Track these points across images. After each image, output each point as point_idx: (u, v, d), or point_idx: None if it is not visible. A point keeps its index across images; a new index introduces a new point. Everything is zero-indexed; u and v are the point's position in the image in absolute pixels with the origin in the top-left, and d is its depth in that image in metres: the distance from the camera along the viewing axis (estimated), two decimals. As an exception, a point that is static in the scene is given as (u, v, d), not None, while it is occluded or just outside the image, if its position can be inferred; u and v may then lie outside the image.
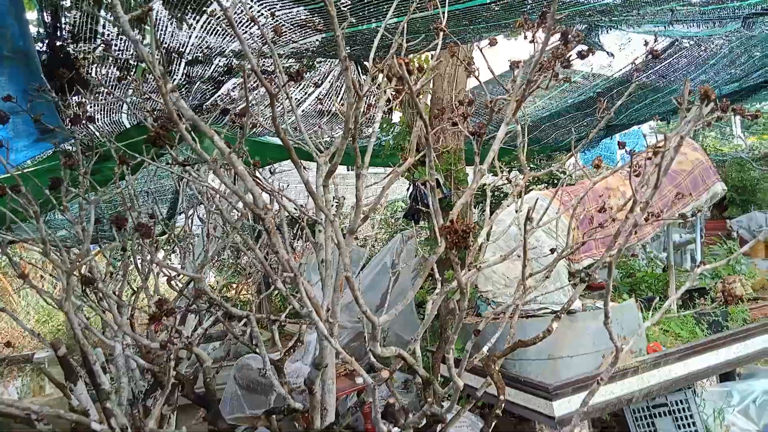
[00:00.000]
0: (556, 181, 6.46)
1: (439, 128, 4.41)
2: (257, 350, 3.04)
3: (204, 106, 4.92)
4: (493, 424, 1.98)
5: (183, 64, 3.94)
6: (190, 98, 4.58)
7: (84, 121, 1.77)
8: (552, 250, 2.64)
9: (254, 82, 4.52)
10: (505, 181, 3.07)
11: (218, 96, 4.74)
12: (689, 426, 3.67)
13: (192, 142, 1.11)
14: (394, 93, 4.43)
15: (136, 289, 3.20)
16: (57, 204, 1.88)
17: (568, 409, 3.13)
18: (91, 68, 3.55)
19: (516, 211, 2.64)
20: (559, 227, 3.78)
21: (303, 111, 5.07)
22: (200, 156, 1.15)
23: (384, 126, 5.05)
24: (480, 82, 2.36)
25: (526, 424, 4.10)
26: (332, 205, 2.71)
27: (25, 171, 3.65)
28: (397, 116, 5.47)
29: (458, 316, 1.74)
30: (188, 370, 2.68)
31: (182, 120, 1.25)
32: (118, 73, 3.65)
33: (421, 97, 4.99)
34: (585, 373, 3.25)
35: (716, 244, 7.05)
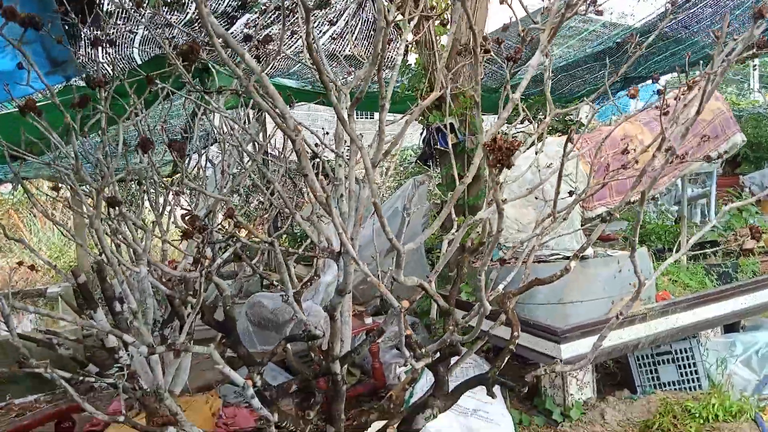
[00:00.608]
0: (566, 130, 6.39)
1: (459, 66, 4.32)
2: (275, 283, 3.08)
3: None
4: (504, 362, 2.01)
5: (196, -4, 3.82)
6: (203, 35, 4.48)
7: (105, 45, 1.72)
8: (570, 193, 2.63)
9: (268, 19, 4.41)
10: (527, 123, 3.02)
11: (231, 33, 4.64)
12: (692, 374, 3.75)
13: (226, 57, 1.09)
14: (412, 32, 4.32)
15: (150, 224, 3.23)
16: (78, 129, 1.86)
17: (575, 351, 3.19)
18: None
19: (536, 153, 2.60)
20: (577, 175, 3.76)
21: (317, 51, 4.97)
22: (234, 73, 1.12)
23: (401, 69, 4.95)
24: (515, 16, 2.27)
25: (531, 367, 4.19)
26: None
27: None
28: (412, 58, 5.35)
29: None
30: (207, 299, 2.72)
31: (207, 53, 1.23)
32: (130, 2, 3.55)
33: (439, 37, 4.87)
34: (593, 318, 3.29)
35: (727, 199, 7.02)
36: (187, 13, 3.99)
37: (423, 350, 1.66)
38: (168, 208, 3.06)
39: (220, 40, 1.15)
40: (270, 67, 5.15)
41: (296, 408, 2.13)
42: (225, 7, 4.08)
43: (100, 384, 2.70)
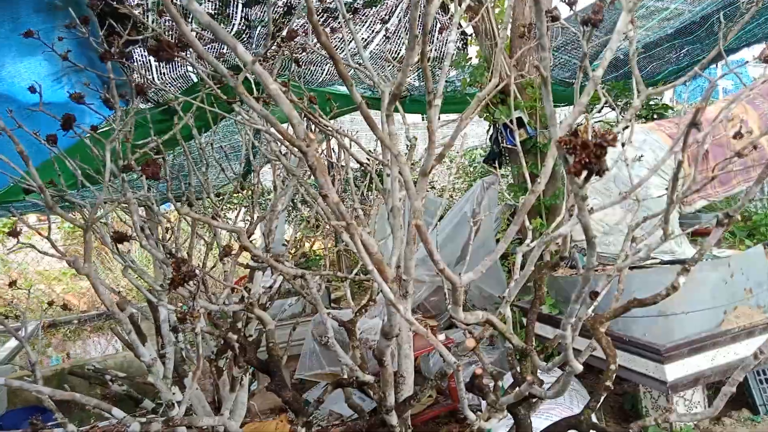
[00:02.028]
0: (655, 116, 5.77)
1: (526, 49, 3.93)
2: (322, 309, 2.84)
3: (267, 54, 4.67)
4: (603, 396, 1.65)
5: (240, 7, 3.69)
6: (253, 45, 4.35)
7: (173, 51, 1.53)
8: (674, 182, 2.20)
9: (320, 19, 4.21)
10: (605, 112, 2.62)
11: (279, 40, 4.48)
12: (826, 391, 3.16)
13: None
14: (469, 20, 3.97)
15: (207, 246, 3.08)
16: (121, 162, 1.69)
17: (682, 372, 2.73)
18: (146, 16, 3.37)
19: (623, 144, 2.20)
20: (666, 165, 3.27)
21: (371, 53, 4.71)
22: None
23: (459, 61, 4.61)
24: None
25: (627, 387, 3.72)
26: (404, 146, 2.39)
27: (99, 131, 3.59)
28: (473, 51, 4.98)
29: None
30: (259, 328, 2.52)
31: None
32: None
33: (500, 25, 4.48)
34: (703, 332, 2.81)
35: None
36: (233, 24, 3.85)
37: (494, 397, 1.34)
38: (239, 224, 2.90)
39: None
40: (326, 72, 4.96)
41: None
42: (272, 14, 3.91)
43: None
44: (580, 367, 1.07)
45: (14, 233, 1.20)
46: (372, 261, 0.99)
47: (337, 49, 4.17)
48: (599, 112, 6.60)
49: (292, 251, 4.07)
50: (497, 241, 4.83)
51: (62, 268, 9.61)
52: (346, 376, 1.60)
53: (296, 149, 0.98)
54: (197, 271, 0.86)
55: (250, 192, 4.17)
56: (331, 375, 4.09)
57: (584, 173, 0.57)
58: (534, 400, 1.86)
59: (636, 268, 3.16)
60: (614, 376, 1.73)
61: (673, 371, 2.72)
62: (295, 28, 3.93)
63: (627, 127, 2.24)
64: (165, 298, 1.45)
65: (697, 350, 2.75)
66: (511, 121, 4.38)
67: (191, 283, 0.89)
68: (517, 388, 1.24)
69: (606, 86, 6.06)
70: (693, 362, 2.76)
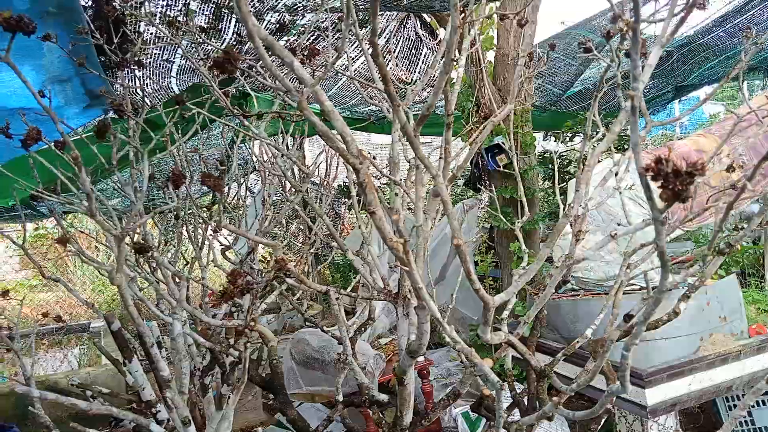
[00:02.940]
0: (626, 147, 5.98)
1: (527, 77, 4.04)
2: (318, 325, 2.81)
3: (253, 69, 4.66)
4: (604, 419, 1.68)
5: (234, 21, 3.69)
6: (241, 62, 4.34)
7: (132, 68, 1.52)
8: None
9: (305, 40, 4.24)
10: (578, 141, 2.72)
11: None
12: (793, 416, 3.29)
13: (270, 64, 0.84)
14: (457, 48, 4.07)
15: (189, 260, 3.03)
16: (105, 163, 1.65)
17: (662, 396, 2.80)
18: (138, 26, 3.33)
19: (616, 174, 2.28)
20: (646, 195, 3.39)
21: (355, 70, 4.75)
22: (284, 85, 0.87)
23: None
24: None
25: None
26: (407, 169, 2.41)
27: (82, 136, 3.51)
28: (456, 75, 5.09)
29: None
30: (251, 344, 2.48)
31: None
32: (167, 31, 3.42)
33: (485, 53, 4.60)
34: (680, 358, 2.90)
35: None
36: (224, 39, 3.84)
37: (500, 423, 1.35)
38: (207, 243, 2.85)
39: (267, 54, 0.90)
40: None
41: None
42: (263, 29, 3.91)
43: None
44: (629, 387, 1.10)
45: None
46: (416, 278, 1.00)
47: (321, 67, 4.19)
48: (571, 140, 6.82)
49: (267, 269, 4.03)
50: (475, 263, 4.89)
51: (19, 279, 9.23)
52: (360, 394, 1.59)
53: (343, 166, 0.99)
54: (254, 284, 0.86)
55: (222, 206, 4.12)
56: (308, 395, 4.03)
57: (674, 199, 0.60)
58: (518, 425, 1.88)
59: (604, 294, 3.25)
60: (613, 400, 1.77)
61: (654, 396, 2.79)
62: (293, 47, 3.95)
63: (606, 156, 2.33)
64: (180, 313, 1.42)
65: (676, 375, 2.83)
66: (493, 147, 4.48)
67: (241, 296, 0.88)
68: (541, 410, 1.26)
69: (578, 116, 6.26)
70: (672, 387, 2.84)
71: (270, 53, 0.85)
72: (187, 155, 3.62)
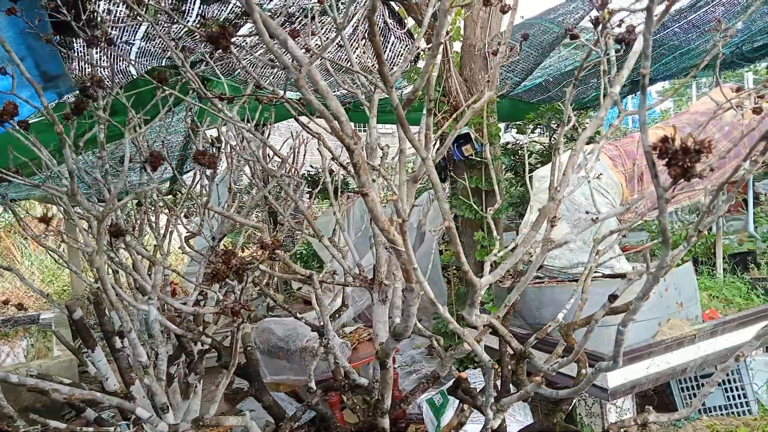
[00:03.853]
0: (590, 139, 6.13)
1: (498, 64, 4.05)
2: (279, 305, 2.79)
3: (213, 55, 4.55)
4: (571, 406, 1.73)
5: (198, 3, 3.58)
6: (203, 45, 4.22)
7: (102, 46, 1.45)
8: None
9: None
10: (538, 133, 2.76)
11: (233, 41, 4.37)
12: (740, 397, 3.46)
13: (270, 43, 0.81)
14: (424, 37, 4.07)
15: (152, 247, 2.94)
16: (71, 145, 1.58)
17: (622, 379, 2.91)
18: (98, 5, 3.19)
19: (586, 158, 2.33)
20: (608, 185, 3.49)
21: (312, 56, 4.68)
22: (282, 63, 0.85)
23: (410, 75, 4.70)
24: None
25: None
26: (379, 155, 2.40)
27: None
28: (423, 64, 5.10)
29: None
30: (220, 332, 2.43)
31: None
32: (127, 11, 3.30)
33: (442, 45, 4.61)
34: (639, 342, 3.01)
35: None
36: (188, 21, 3.73)
37: (490, 401, 1.37)
38: (170, 230, 2.78)
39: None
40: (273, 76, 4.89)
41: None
42: (227, 14, 3.82)
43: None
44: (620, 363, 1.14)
45: None
46: (405, 259, 1.00)
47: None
48: (533, 132, 6.95)
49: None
50: (441, 251, 4.93)
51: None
52: (335, 380, 1.58)
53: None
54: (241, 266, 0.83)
55: (179, 195, 4.02)
56: (272, 384, 3.99)
57: (683, 177, 0.62)
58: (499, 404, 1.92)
59: (572, 282, 3.34)
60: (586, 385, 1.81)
61: (614, 379, 2.89)
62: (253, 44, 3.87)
63: (569, 148, 2.38)
64: (155, 298, 1.37)
65: (636, 359, 2.94)
66: (459, 137, 4.51)
67: (232, 276, 0.86)
68: (523, 389, 1.29)
69: (540, 108, 6.38)
70: (631, 370, 2.94)
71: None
72: (147, 140, 3.52)
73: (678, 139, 0.66)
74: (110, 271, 2.06)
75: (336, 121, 0.96)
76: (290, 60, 0.90)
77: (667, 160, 0.65)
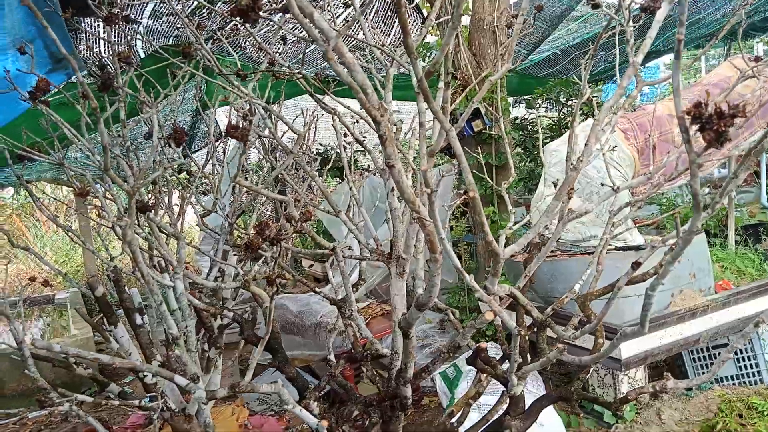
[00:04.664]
0: (596, 113, 6.08)
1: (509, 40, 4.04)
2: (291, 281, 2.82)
3: (222, 32, 4.53)
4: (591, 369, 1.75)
5: (205, -22, 3.55)
6: (210, 22, 4.20)
7: (120, 22, 1.45)
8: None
9: (280, 1, 4.12)
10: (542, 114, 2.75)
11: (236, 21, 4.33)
12: (752, 367, 3.49)
13: (299, 15, 0.82)
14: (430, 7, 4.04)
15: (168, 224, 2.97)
16: (91, 124, 1.60)
17: (636, 350, 2.94)
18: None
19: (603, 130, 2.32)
20: (620, 158, 3.48)
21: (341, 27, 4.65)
22: (311, 35, 0.86)
23: (419, 50, 4.67)
24: None
25: (577, 367, 3.94)
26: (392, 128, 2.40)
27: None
28: (432, 39, 5.06)
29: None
30: (237, 308, 2.47)
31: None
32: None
33: (461, 17, 4.57)
34: (653, 313, 3.03)
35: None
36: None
37: (515, 367, 1.40)
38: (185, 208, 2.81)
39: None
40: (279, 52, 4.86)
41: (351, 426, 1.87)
42: (235, -10, 3.79)
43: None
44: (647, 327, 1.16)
45: None
46: (433, 228, 1.01)
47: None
48: (541, 107, 6.89)
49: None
50: (451, 227, 4.95)
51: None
52: (356, 351, 1.62)
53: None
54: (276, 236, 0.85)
55: (186, 174, 4.04)
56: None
57: (716, 142, 0.63)
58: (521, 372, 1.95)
59: (591, 254, 3.35)
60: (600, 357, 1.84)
61: (628, 349, 2.92)
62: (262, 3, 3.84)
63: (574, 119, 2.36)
64: (181, 273, 1.40)
65: (649, 329, 2.96)
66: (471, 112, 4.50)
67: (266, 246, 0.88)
68: (545, 357, 1.31)
69: (549, 82, 6.32)
70: (644, 341, 2.97)
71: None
72: (159, 120, 3.51)
73: (712, 104, 0.66)
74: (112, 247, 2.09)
75: (363, 93, 0.97)
76: (318, 33, 0.91)
77: (700, 125, 0.65)
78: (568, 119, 6.25)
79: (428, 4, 4.56)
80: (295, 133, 2.03)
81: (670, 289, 3.11)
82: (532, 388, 3.51)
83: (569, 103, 6.07)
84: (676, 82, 0.67)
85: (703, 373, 3.67)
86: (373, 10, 4.60)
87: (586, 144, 1.22)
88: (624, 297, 3.14)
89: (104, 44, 4.12)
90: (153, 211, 1.49)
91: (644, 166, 3.75)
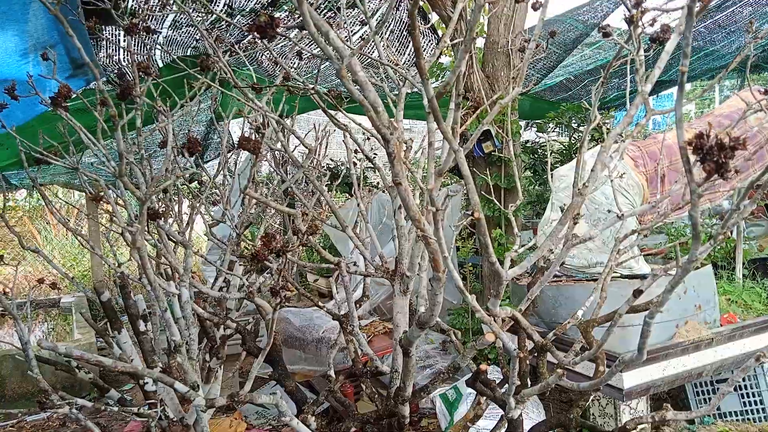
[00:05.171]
0: (599, 140, 6.09)
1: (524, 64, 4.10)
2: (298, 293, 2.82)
3: (240, 45, 4.60)
4: (591, 397, 1.74)
5: (225, -7, 3.62)
6: (228, 34, 4.27)
7: (141, 32, 1.49)
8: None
9: (297, 19, 4.19)
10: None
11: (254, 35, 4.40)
12: (757, 404, 3.44)
13: (317, 37, 0.84)
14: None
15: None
16: (107, 131, 1.63)
17: (638, 380, 2.91)
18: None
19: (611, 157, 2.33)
20: (629, 185, 3.48)
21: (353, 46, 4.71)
22: (325, 53, 0.88)
23: (433, 70, 4.71)
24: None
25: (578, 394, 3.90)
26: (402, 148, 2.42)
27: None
28: (445, 60, 5.11)
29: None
30: (240, 320, 2.48)
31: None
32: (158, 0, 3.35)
33: (475, 40, 4.62)
34: (656, 344, 3.00)
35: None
36: (216, 9, 3.78)
37: (512, 390, 1.40)
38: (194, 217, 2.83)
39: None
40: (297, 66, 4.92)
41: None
42: (254, 4, 3.86)
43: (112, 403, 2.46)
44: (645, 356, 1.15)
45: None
46: (435, 247, 1.03)
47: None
48: (552, 131, 6.91)
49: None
50: (457, 248, 4.95)
51: (-16, 250, 8.95)
52: (358, 368, 1.62)
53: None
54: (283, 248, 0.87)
55: (197, 184, 4.07)
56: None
57: (717, 173, 0.64)
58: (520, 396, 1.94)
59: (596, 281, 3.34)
60: (602, 385, 1.83)
61: (630, 379, 2.89)
62: (280, 18, 3.91)
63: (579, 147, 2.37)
64: (187, 281, 1.42)
65: (652, 360, 2.93)
66: (480, 133, 4.52)
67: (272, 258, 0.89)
68: (544, 381, 1.31)
69: (561, 106, 6.35)
70: (647, 372, 2.94)
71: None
72: (174, 129, 3.56)
73: (713, 136, 0.67)
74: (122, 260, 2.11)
75: (374, 111, 0.99)
76: (332, 51, 0.93)
77: (701, 155, 0.67)
78: (578, 144, 6.26)
79: (443, 26, 4.62)
80: (306, 148, 2.05)
81: (675, 320, 3.09)
82: (533, 415, 3.47)
83: (580, 128, 6.08)
84: (679, 114, 0.68)
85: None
86: (389, 29, 4.66)
87: (592, 170, 1.23)
88: (630, 326, 3.12)
89: (124, 53, 4.20)
90: (163, 218, 1.52)
91: (653, 195, 3.75)
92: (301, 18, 0.93)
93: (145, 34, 1.66)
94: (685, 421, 3.64)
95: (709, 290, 3.27)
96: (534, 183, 6.48)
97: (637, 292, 1.37)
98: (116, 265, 2.61)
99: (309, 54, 4.09)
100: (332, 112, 2.03)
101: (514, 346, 1.10)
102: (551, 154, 6.14)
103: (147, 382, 2.22)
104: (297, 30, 3.81)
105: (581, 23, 4.95)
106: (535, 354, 1.70)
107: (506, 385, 1.97)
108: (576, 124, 6.23)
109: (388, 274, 1.92)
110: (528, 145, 6.26)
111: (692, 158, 0.69)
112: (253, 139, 0.88)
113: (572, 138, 6.40)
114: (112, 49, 4.13)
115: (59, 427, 4.39)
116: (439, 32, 4.87)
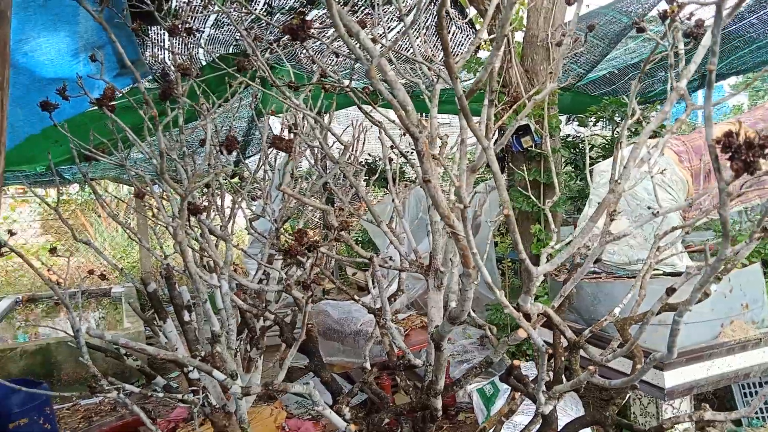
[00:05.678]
0: (656, 133, 5.93)
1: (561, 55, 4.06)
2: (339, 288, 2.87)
3: (279, 42, 4.67)
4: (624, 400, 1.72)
5: (266, -8, 3.70)
6: (268, 32, 4.35)
7: (182, 34, 1.55)
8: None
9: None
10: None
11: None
12: (808, 406, 3.32)
13: (345, 34, 0.87)
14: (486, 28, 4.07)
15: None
16: (152, 128, 1.70)
17: (680, 380, 2.84)
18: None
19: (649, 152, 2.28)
20: (672, 181, 3.39)
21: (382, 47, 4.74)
22: (354, 53, 0.90)
23: (470, 65, 4.69)
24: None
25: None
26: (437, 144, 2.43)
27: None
28: (483, 54, 5.07)
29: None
30: (279, 312, 2.55)
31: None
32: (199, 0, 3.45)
33: (508, 36, 4.56)
34: (700, 342, 2.93)
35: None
36: (256, 9, 3.86)
37: (542, 385, 1.40)
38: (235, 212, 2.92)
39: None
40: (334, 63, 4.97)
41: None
42: (293, 2, 3.92)
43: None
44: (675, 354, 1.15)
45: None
46: (460, 247, 1.04)
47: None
48: (594, 125, 6.77)
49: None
50: (496, 243, 4.92)
51: (40, 243, 9.41)
52: (391, 361, 1.65)
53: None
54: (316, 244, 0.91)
55: (239, 179, 4.16)
56: (327, 365, 4.13)
57: (746, 171, 0.64)
58: (552, 392, 1.93)
59: (629, 278, 3.28)
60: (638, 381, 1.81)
61: (672, 378, 2.83)
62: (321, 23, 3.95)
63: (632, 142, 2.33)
64: (227, 274, 1.48)
65: (695, 360, 2.86)
66: (518, 127, 4.48)
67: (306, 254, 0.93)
68: (576, 378, 1.31)
69: (603, 100, 6.21)
70: (690, 371, 2.87)
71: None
72: (216, 125, 3.67)
73: (743, 134, 0.67)
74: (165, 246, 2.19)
75: (403, 110, 1.01)
76: (362, 51, 0.95)
77: (730, 154, 0.66)
78: (630, 140, 6.11)
79: (482, 20, 4.59)
80: (342, 144, 2.09)
81: (720, 320, 3.00)
82: (572, 412, 3.44)
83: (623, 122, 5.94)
84: (707, 111, 0.68)
85: (758, 408, 3.51)
86: (425, 25, 4.65)
87: (624, 166, 1.22)
88: (669, 324, 3.05)
89: (168, 53, 4.33)
90: (205, 213, 1.58)
91: (698, 190, 3.64)
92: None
93: (186, 35, 1.72)
94: (732, 422, 3.54)
95: (757, 289, 3.16)
96: (575, 178, 6.37)
97: (671, 290, 1.35)
98: (162, 257, 2.72)
99: (345, 52, 4.14)
100: (368, 109, 2.06)
101: (541, 342, 1.11)
102: (593, 148, 6.02)
103: (191, 370, 2.31)
104: (333, 29, 3.84)
105: (625, 15, 4.83)
106: (569, 351, 1.70)
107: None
108: (619, 118, 6.08)
109: (422, 269, 1.94)
110: (569, 139, 6.15)
111: (721, 156, 0.69)
112: (286, 138, 0.92)
113: (615, 132, 6.27)
114: (158, 49, 4.26)
115: (110, 411, 4.60)
116: (477, 26, 4.83)
